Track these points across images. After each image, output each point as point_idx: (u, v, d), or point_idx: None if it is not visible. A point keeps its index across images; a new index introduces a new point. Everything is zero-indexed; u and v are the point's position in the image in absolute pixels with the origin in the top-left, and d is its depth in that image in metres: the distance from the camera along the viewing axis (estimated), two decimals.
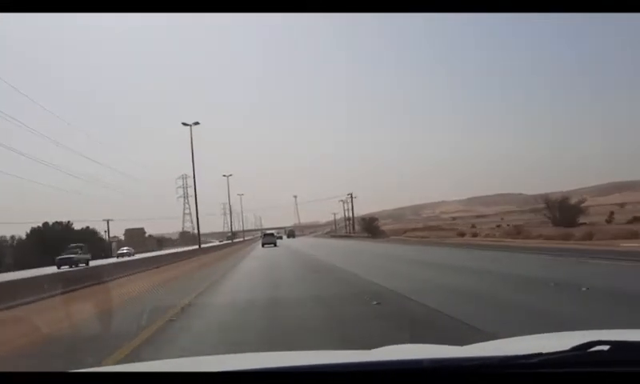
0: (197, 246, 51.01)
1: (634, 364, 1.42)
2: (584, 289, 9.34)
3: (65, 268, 33.63)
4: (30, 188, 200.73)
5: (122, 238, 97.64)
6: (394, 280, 12.69)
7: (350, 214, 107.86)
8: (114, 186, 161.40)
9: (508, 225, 56.47)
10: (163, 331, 7.53)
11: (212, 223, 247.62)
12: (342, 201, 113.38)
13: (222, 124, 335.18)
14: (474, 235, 47.01)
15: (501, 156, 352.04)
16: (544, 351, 1.45)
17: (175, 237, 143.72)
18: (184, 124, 46.81)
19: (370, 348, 1.91)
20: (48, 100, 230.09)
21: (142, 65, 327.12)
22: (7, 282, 14.54)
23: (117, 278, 18.88)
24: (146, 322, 8.07)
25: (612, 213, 65.46)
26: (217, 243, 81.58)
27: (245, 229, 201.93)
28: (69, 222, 61.91)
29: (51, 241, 53.05)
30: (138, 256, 44.53)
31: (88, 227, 66.20)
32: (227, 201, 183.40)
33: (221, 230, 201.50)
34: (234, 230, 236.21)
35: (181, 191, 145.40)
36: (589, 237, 26.88)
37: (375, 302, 8.80)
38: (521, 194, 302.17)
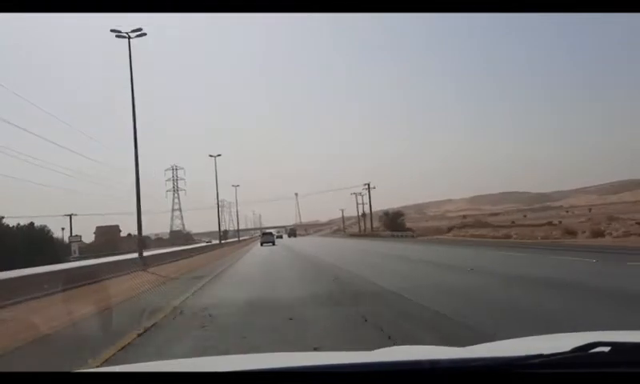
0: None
1: (634, 365, 1.43)
2: None
3: None
4: None
5: (93, 237, 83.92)
6: None
7: (364, 209, 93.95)
8: (89, 177, 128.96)
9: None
10: None
11: (208, 222, 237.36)
12: (354, 194, 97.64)
13: (222, 123, 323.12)
14: (599, 234, 28.64)
15: (505, 154, 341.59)
16: (545, 352, 1.46)
17: (165, 236, 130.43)
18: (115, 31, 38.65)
19: None
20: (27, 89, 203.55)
21: (142, 63, 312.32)
22: None
23: None
24: None
25: None
26: (201, 244, 68.26)
27: (243, 228, 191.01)
28: (2, 217, 48.80)
29: None
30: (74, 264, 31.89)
31: (32, 224, 52.86)
32: (225, 197, 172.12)
33: (217, 228, 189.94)
34: (230, 228, 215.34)
35: (170, 184, 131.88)
36: None
37: None
38: (527, 192, 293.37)
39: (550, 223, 51.93)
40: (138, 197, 27.38)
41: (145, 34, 26.22)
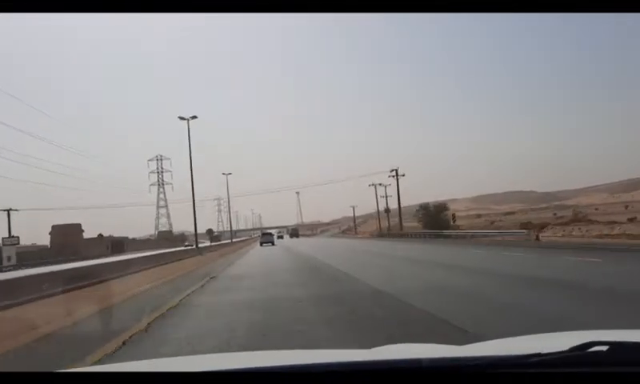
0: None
1: (632, 364, 1.45)
2: None
3: None
4: None
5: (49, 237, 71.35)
6: None
7: (386, 203, 78.84)
8: (37, 161, 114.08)
9: None
10: None
11: (204, 221, 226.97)
12: (373, 185, 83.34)
13: (222, 121, 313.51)
14: None
15: (509, 154, 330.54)
16: (543, 351, 1.47)
17: (147, 237, 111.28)
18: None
19: None
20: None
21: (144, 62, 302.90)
22: None
23: None
24: None
25: None
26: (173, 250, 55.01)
27: (243, 228, 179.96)
28: None
29: None
30: None
31: None
32: (223, 197, 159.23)
33: (214, 228, 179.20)
34: (227, 228, 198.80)
35: (154, 178, 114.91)
36: None
37: None
38: (533, 192, 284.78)
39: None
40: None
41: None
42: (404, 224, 69.11)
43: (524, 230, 37.28)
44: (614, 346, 1.46)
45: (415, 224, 67.72)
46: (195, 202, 44.83)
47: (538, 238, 31.74)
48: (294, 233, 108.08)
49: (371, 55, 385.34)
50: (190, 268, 21.91)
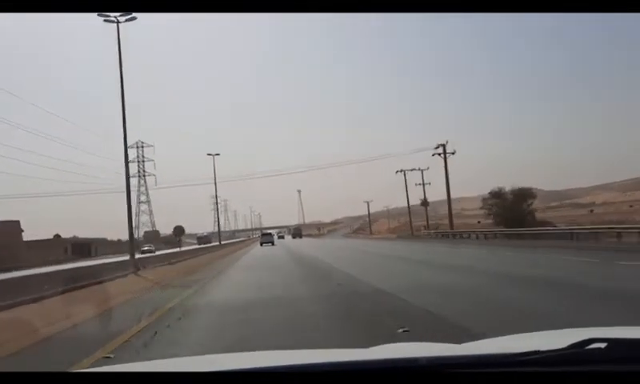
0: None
1: (631, 361, 1.46)
2: None
3: None
4: None
5: None
6: None
7: (423, 193, 65.09)
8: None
9: None
10: None
11: (200, 221, 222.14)
12: (401, 172, 67.26)
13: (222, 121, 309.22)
14: None
15: (515, 152, 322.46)
16: (541, 349, 1.49)
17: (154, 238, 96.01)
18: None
19: None
20: None
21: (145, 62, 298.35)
22: None
23: None
24: None
25: None
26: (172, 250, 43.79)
27: (242, 228, 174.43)
28: None
29: None
30: None
31: None
32: (221, 195, 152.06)
33: (211, 229, 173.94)
34: (226, 228, 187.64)
35: (134, 168, 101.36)
36: None
37: None
38: (539, 189, 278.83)
39: None
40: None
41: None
42: (434, 221, 62.31)
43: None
44: (613, 343, 1.47)
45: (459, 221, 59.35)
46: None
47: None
48: (297, 232, 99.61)
49: (369, 54, 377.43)
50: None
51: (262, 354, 2.20)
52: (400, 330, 6.50)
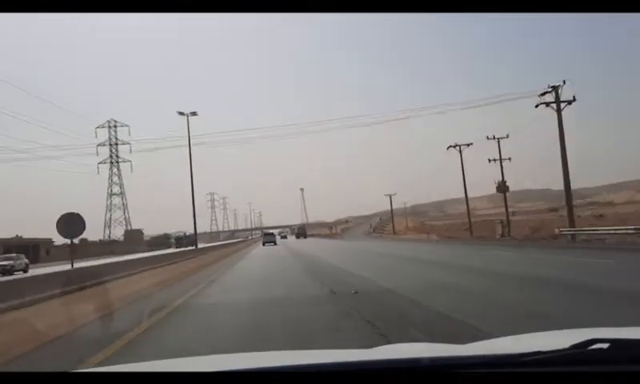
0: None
1: (633, 362, 1.46)
2: None
3: None
4: None
5: None
6: None
7: (501, 174, 43.22)
8: None
9: None
10: None
11: (198, 221, 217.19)
12: (455, 146, 47.88)
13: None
14: None
15: (521, 151, 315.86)
16: (543, 349, 1.49)
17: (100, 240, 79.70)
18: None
19: None
20: None
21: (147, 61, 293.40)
22: None
23: None
24: None
25: None
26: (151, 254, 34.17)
27: (242, 228, 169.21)
28: None
29: None
30: None
31: None
32: (215, 194, 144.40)
33: (207, 229, 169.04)
34: (224, 228, 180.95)
35: (105, 153, 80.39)
36: None
37: None
38: (547, 189, 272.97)
39: None
40: None
41: None
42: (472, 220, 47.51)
43: None
44: (615, 343, 1.47)
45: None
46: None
47: None
48: (301, 232, 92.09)
49: (369, 54, 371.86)
50: None
51: (264, 355, 2.19)
52: None
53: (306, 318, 8.17)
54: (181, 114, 38.59)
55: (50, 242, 60.50)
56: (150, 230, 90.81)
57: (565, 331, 2.23)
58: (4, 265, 33.37)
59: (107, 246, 71.57)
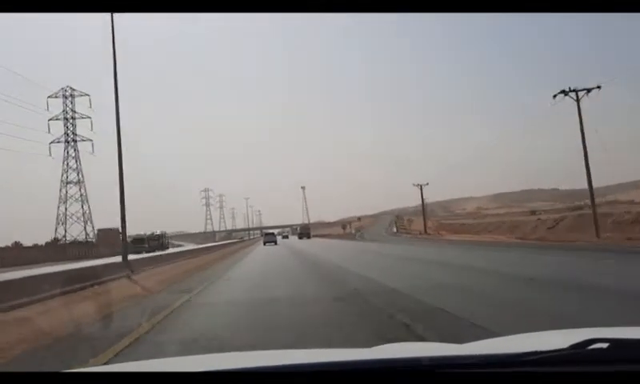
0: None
1: (633, 362, 1.47)
2: None
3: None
4: None
5: None
6: None
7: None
8: None
9: None
10: None
11: (190, 220, 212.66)
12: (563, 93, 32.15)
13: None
14: None
15: (525, 150, 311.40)
16: (543, 349, 1.50)
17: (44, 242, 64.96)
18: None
19: None
20: None
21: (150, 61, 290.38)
22: None
23: None
24: None
25: None
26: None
27: (242, 227, 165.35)
28: None
29: None
30: None
31: None
32: (210, 190, 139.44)
33: (201, 229, 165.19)
34: (222, 228, 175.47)
35: (59, 129, 63.80)
36: None
37: None
38: (555, 189, 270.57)
39: None
40: None
41: None
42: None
43: None
44: (615, 343, 1.48)
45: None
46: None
47: None
48: (304, 232, 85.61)
49: (371, 50, 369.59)
50: None
51: (263, 354, 2.20)
52: None
53: None
54: None
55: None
56: (130, 230, 73.85)
57: (564, 331, 2.24)
58: None
59: (62, 249, 56.90)
